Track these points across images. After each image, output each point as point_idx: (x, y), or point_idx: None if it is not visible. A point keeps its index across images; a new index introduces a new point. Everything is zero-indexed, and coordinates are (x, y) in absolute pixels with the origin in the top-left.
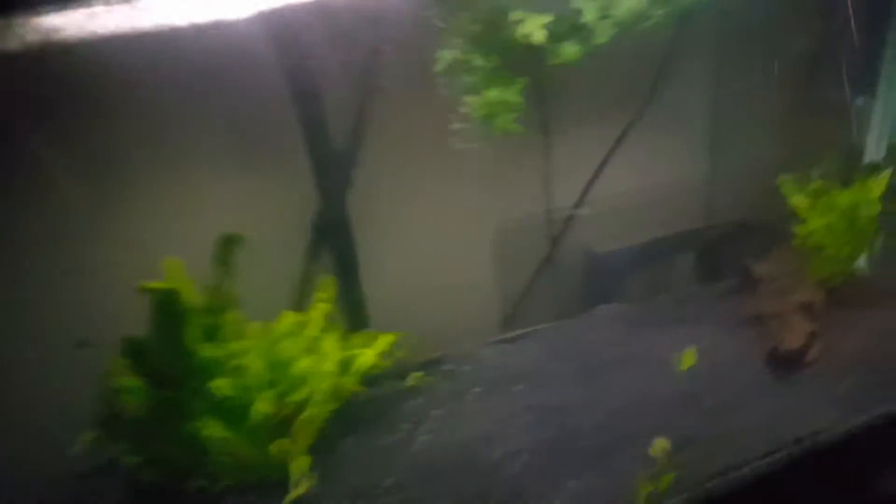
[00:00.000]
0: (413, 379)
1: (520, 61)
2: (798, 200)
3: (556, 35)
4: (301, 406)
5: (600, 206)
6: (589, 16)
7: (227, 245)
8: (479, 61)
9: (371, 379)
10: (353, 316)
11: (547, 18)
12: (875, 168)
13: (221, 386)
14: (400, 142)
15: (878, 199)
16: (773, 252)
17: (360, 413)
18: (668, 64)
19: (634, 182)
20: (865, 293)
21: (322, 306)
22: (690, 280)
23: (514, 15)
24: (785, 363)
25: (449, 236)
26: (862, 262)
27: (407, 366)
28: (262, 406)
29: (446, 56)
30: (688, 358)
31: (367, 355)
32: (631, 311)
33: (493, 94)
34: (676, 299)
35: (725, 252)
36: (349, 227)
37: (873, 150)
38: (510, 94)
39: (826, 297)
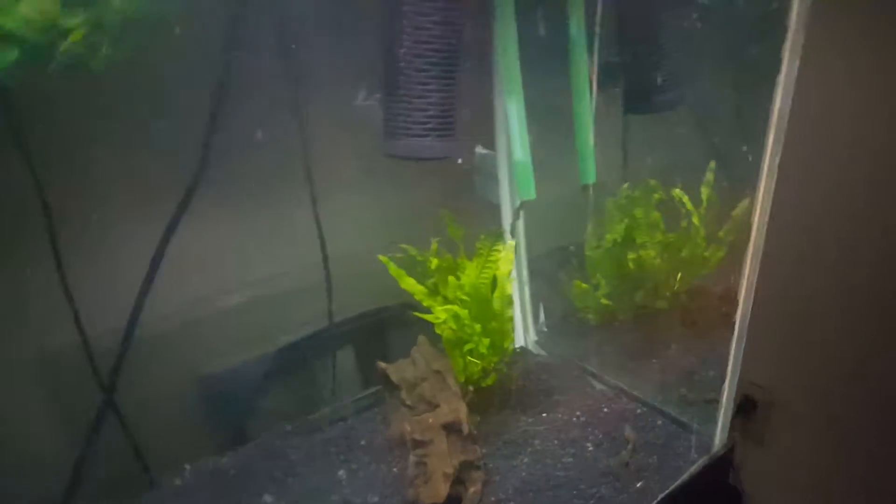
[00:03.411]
0: None
1: None
2: (409, 284)
3: None
4: None
5: (206, 309)
6: None
7: None
8: None
9: None
10: None
11: None
12: (499, 235)
13: None
14: None
15: (507, 276)
16: (415, 346)
17: None
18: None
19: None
20: (529, 387)
21: None
22: (346, 385)
23: None
24: None
25: None
26: (529, 337)
27: None
28: None
29: None
30: None
31: None
32: (234, 464)
33: None
34: (310, 425)
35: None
36: None
37: (508, 209)
38: None
39: (481, 402)
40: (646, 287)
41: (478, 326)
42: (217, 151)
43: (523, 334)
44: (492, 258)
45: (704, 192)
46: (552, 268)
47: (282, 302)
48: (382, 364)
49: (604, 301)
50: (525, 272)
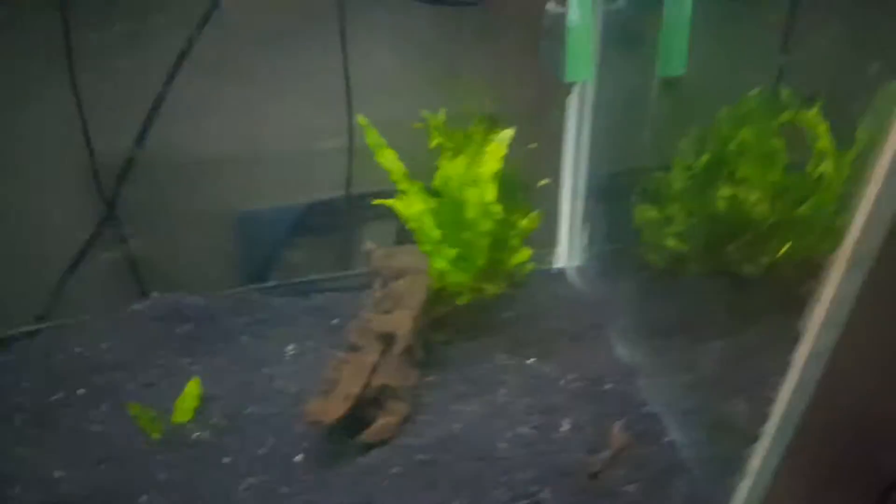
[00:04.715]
0: None
1: None
2: (387, 159)
3: None
4: None
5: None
6: None
7: None
8: None
9: None
10: None
11: None
12: (494, 121)
13: None
14: None
15: (491, 177)
16: None
17: None
18: None
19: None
20: (531, 320)
21: None
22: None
23: None
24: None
25: None
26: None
27: None
28: None
29: None
30: (185, 403)
31: None
32: (202, 304)
33: None
34: (296, 289)
35: None
36: None
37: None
38: None
39: (459, 322)
40: (740, 240)
41: (436, 233)
42: None
43: (568, 255)
44: (484, 152)
45: (863, 126)
46: (624, 186)
47: (301, 161)
48: (370, 244)
49: (671, 242)
50: (581, 180)
